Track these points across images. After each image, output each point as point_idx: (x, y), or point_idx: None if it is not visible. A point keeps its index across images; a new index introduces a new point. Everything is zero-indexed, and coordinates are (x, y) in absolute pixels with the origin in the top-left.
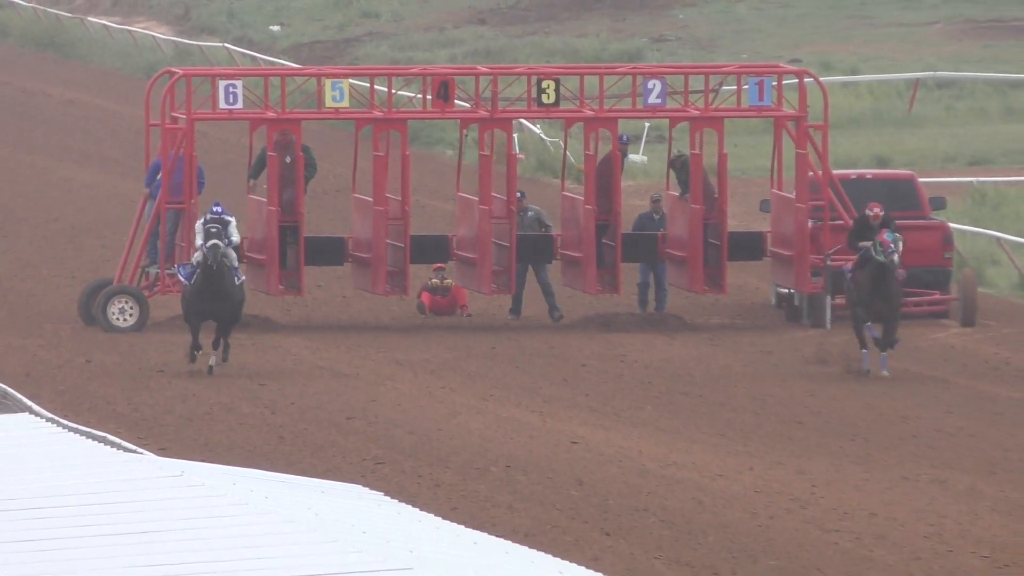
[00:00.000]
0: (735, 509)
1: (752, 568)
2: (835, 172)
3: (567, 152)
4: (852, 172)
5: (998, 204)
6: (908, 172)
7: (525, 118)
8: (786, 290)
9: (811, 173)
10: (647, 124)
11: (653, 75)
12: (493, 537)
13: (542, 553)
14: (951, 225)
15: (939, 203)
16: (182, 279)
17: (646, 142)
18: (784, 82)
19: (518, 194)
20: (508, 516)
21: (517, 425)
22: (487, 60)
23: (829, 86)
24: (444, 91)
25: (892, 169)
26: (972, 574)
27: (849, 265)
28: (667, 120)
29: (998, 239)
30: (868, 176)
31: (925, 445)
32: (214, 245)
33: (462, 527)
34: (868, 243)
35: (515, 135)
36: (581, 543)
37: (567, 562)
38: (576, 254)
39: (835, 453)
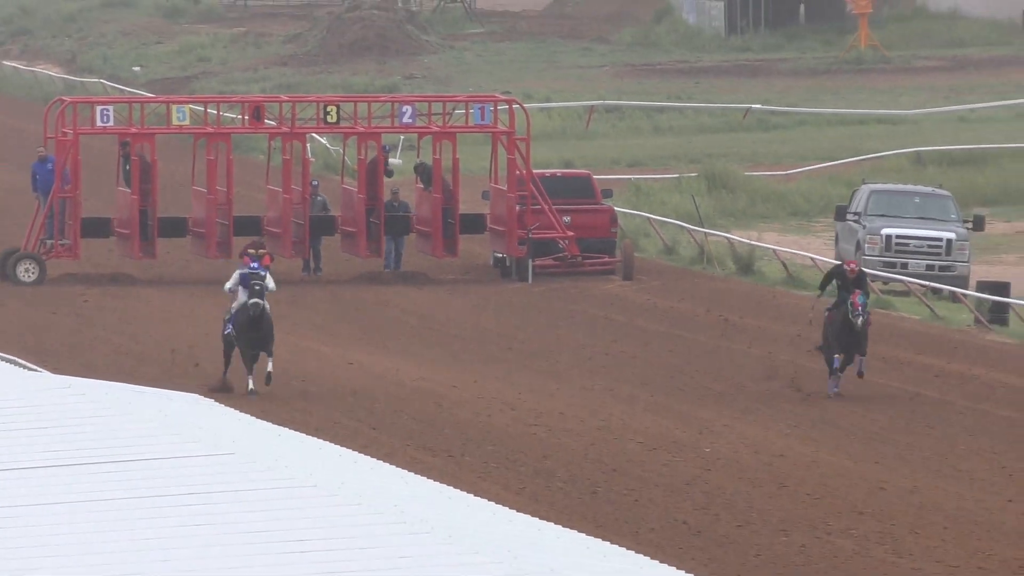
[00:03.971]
0: (464, 410)
1: (476, 451)
2: (534, 171)
3: (345, 157)
4: (546, 171)
5: (648, 194)
6: (585, 171)
7: (315, 133)
8: (500, 255)
9: (518, 172)
10: (402, 137)
11: (406, 102)
12: (292, 431)
13: (325, 441)
14: (616, 208)
15: (608, 193)
16: (228, 329)
17: (401, 150)
18: (499, 107)
19: (313, 183)
20: (303, 417)
21: (311, 352)
22: (288, 91)
23: (530, 111)
24: (257, 113)
25: (574, 169)
26: (630, 454)
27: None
28: (416, 135)
29: (648, 219)
30: (558, 174)
31: (599, 365)
32: (256, 303)
33: (270, 423)
34: (843, 293)
35: (308, 145)
36: (355, 435)
37: (348, 448)
38: (352, 229)
39: (535, 370)
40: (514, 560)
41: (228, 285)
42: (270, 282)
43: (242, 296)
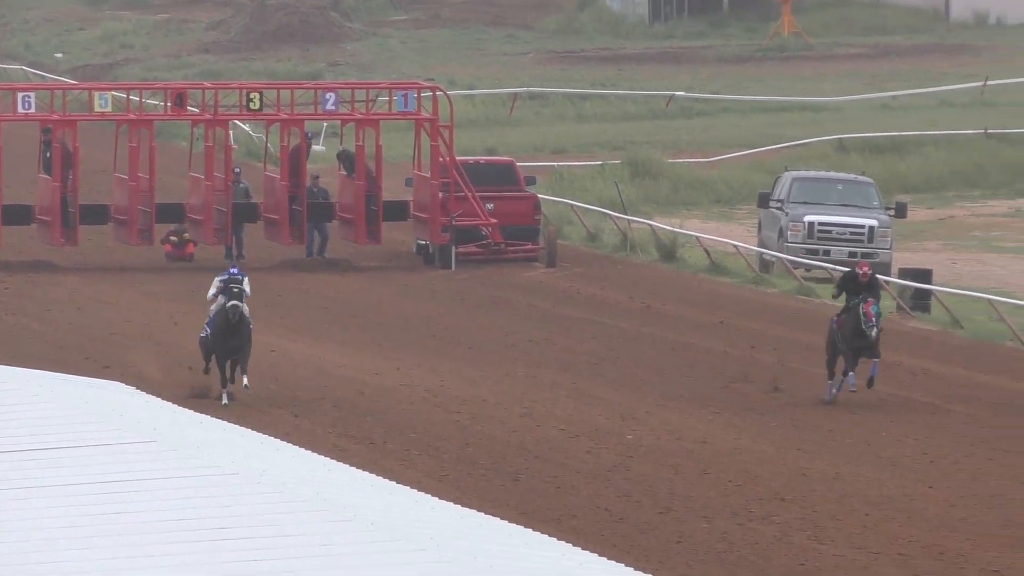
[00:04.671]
0: (387, 398)
1: (399, 438)
2: (458, 158)
3: (268, 144)
4: (470, 158)
5: (571, 181)
6: (509, 159)
7: (238, 120)
8: (424, 242)
9: (441, 159)
10: (325, 124)
11: (329, 89)
12: (215, 418)
13: (247, 428)
14: (539, 195)
15: (531, 180)
16: (205, 333)
17: (324, 137)
18: (422, 94)
19: (236, 170)
20: (241, 406)
21: None
22: (211, 78)
23: (454, 98)
24: (180, 100)
25: (497, 156)
26: (552, 441)
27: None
28: (339, 122)
29: (572, 206)
30: (481, 161)
31: (521, 352)
32: (235, 305)
33: (192, 412)
34: (855, 299)
35: (231, 132)
36: (277, 422)
37: (270, 435)
38: (274, 216)
39: (457, 357)
40: (436, 547)
41: (210, 293)
42: (247, 287)
43: (221, 299)
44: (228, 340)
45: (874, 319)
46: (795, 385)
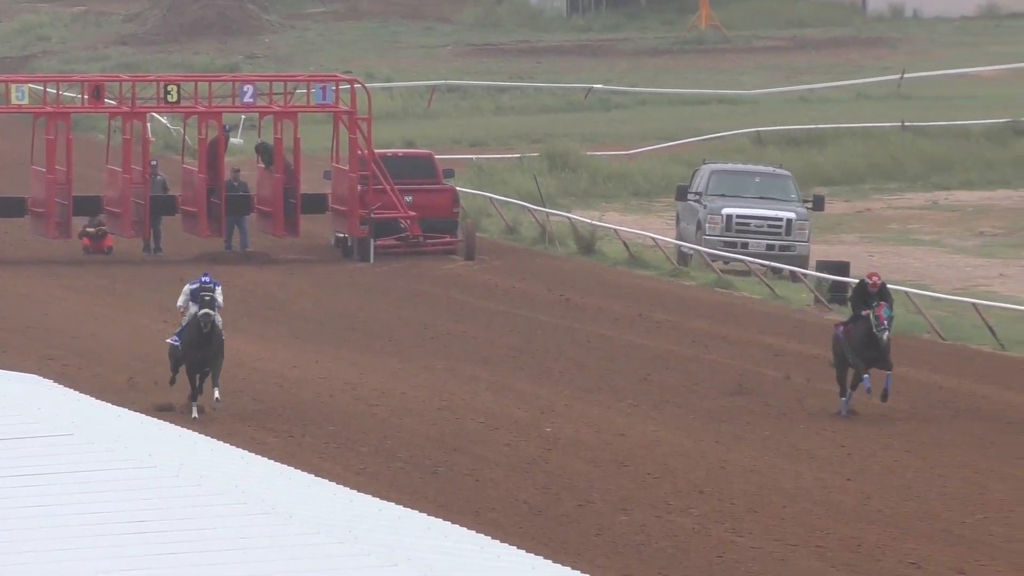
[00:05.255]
0: (306, 390)
1: (317, 431)
2: (376, 151)
3: (185, 137)
4: (388, 151)
5: (490, 174)
6: (427, 151)
7: (156, 112)
8: (342, 235)
9: (360, 152)
10: (243, 117)
11: (247, 82)
12: (133, 412)
13: (164, 422)
14: (458, 188)
15: (449, 173)
16: (175, 341)
17: (242, 129)
18: (340, 87)
19: (153, 163)
20: (144, 397)
21: (147, 331)
22: (128, 71)
23: (372, 90)
24: (97, 93)
25: (416, 149)
26: (472, 434)
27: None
28: (257, 114)
29: (490, 198)
30: (400, 154)
31: (441, 344)
32: (206, 314)
33: (110, 404)
34: (868, 311)
35: (148, 125)
36: (201, 418)
37: (188, 429)
38: (192, 209)
39: (376, 350)
40: (355, 540)
41: (179, 302)
42: (219, 296)
43: (192, 309)
44: (199, 351)
45: (886, 322)
46: (713, 378)
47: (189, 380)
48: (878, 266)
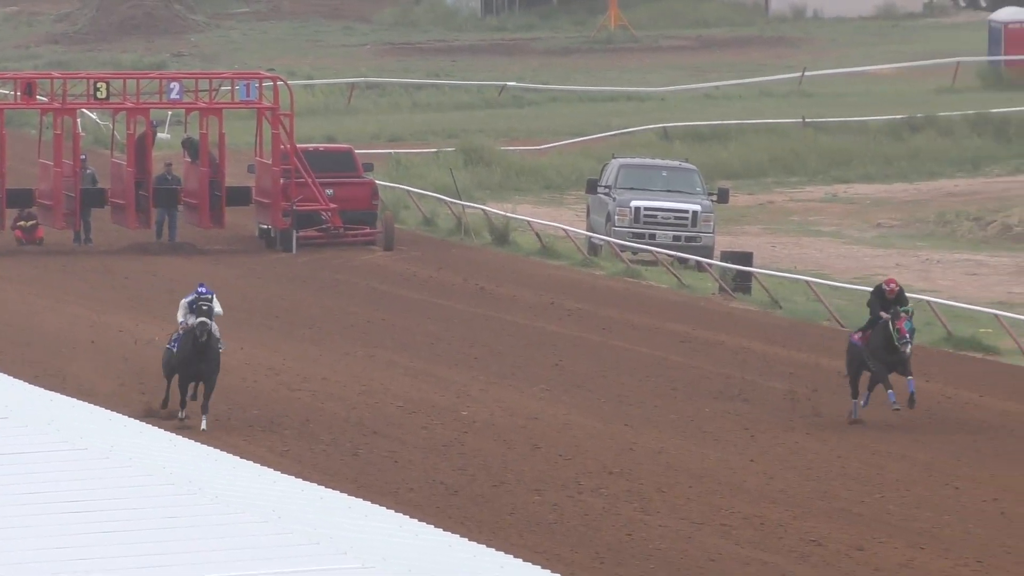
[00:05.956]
0: (230, 376)
1: (242, 415)
2: (298, 145)
3: (115, 132)
4: (310, 146)
5: (408, 168)
6: (347, 146)
7: (86, 108)
8: (266, 226)
9: (282, 147)
10: (170, 113)
11: (173, 79)
12: (64, 396)
13: (95, 406)
14: (377, 182)
15: (369, 167)
16: (172, 346)
17: (169, 125)
18: (263, 84)
19: (83, 157)
20: (75, 383)
21: (83, 320)
22: (59, 68)
23: (294, 87)
24: (29, 90)
25: (336, 144)
26: (390, 418)
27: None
28: (184, 110)
29: (408, 191)
30: (321, 148)
31: (360, 332)
32: (202, 322)
33: (43, 389)
34: (887, 316)
35: (79, 120)
36: (126, 401)
37: (118, 413)
38: (121, 201)
39: (298, 338)
40: (279, 519)
41: (179, 316)
42: (217, 306)
43: (190, 318)
44: (193, 363)
45: (908, 335)
46: (622, 362)
47: (180, 389)
48: (780, 256)
